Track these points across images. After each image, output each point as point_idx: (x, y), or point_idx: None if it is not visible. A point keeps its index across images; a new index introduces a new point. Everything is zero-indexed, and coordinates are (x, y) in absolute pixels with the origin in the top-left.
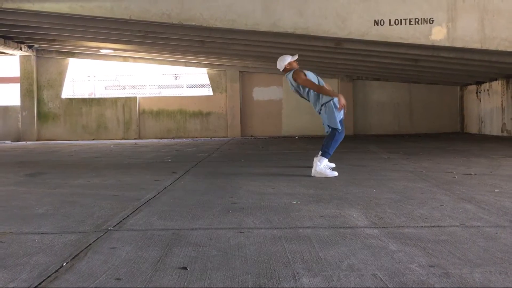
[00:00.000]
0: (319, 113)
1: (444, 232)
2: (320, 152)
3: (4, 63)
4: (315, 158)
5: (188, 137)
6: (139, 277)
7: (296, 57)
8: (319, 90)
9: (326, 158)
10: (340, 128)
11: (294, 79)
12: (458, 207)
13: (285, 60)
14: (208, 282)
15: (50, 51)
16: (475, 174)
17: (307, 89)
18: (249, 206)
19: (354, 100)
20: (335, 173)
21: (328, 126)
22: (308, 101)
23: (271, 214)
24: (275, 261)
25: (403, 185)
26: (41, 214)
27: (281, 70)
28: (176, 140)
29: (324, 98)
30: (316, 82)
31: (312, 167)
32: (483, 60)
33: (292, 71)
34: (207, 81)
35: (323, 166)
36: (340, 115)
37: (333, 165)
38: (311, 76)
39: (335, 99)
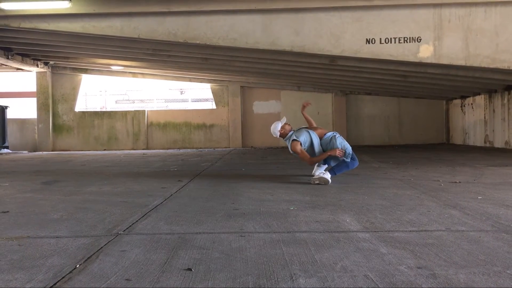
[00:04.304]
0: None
1: (431, 236)
2: (325, 164)
3: (21, 79)
4: (315, 166)
5: (192, 148)
6: (147, 278)
7: (285, 119)
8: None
9: (328, 171)
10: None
11: (293, 151)
12: (444, 212)
13: (277, 127)
14: (211, 282)
15: (65, 68)
16: (460, 182)
17: (312, 147)
18: (249, 212)
19: (347, 113)
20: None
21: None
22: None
23: (270, 219)
24: (273, 263)
25: (392, 192)
26: (56, 219)
27: (277, 137)
28: (181, 151)
29: (330, 143)
30: (309, 140)
31: (309, 175)
32: (467, 76)
33: (290, 142)
34: (211, 96)
35: (321, 172)
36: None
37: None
38: (303, 139)
39: (336, 134)
